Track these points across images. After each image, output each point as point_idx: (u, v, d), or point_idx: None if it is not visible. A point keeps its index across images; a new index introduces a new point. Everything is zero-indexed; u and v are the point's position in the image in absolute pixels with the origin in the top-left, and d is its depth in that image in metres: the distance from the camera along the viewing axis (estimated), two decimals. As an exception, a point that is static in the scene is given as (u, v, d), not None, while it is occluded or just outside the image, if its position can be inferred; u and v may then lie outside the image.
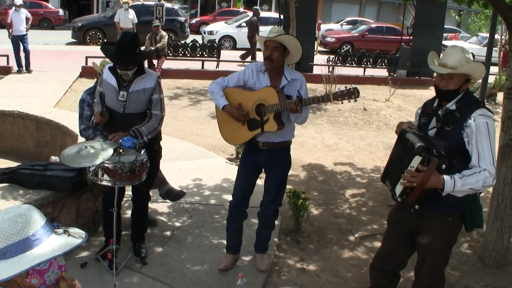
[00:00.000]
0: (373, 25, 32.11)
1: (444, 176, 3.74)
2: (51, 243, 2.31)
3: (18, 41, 15.92)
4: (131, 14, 19.26)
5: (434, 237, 4.10)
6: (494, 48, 15.01)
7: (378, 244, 6.21)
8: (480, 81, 11.89)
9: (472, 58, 4.03)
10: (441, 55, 4.30)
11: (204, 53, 18.68)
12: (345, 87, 4.72)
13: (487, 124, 3.83)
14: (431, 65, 4.14)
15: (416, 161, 3.80)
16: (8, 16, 15.88)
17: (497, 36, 16.87)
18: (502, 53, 17.52)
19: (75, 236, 2.40)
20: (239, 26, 28.06)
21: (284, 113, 4.96)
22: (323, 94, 4.90)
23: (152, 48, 16.23)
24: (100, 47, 5.58)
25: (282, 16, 18.51)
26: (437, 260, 4.20)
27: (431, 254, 4.17)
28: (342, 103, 4.83)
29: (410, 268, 4.78)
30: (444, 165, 3.73)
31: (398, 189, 3.98)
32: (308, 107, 5.04)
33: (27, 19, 16.07)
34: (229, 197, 5.62)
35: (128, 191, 6.02)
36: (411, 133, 4.05)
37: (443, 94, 4.06)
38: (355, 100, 4.75)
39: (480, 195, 4.15)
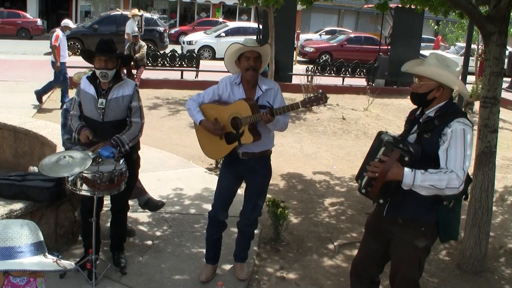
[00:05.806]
0: (352, 35, 32.42)
1: (405, 168, 3.71)
2: (33, 260, 2.30)
3: None
4: (136, 26, 19.39)
5: (407, 247, 4.06)
6: (471, 58, 15.20)
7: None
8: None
9: (452, 67, 3.94)
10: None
11: (183, 63, 18.72)
12: (313, 93, 4.77)
13: (464, 130, 3.76)
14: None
15: (380, 152, 3.83)
16: None
17: (473, 46, 17.04)
18: (478, 62, 17.69)
19: (60, 265, 2.39)
20: (218, 36, 28.11)
21: (260, 123, 4.97)
22: (292, 103, 4.94)
23: (131, 58, 16.17)
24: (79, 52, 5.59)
25: (261, 26, 18.57)
26: (410, 270, 4.14)
27: (404, 264, 4.14)
28: (311, 109, 4.88)
29: (387, 275, 4.81)
30: (407, 158, 3.73)
31: (364, 181, 4.00)
32: (288, 114, 5.07)
33: None
34: (208, 207, 5.62)
35: (107, 201, 6.00)
36: (386, 134, 4.06)
37: (411, 96, 4.08)
38: (324, 105, 4.80)
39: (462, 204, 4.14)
